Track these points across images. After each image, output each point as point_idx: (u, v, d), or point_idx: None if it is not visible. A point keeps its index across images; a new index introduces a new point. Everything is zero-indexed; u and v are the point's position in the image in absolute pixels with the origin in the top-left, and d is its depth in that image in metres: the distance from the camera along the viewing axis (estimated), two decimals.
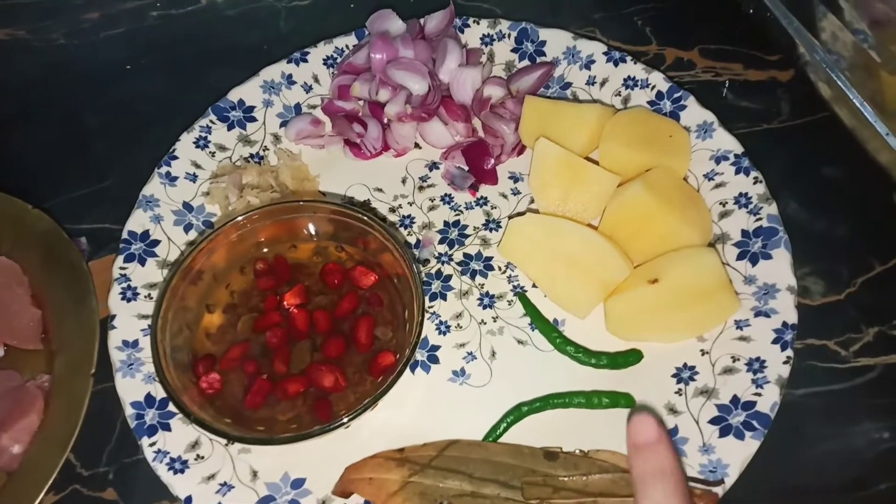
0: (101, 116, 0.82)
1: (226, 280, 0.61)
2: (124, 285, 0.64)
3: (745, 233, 0.65)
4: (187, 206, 0.71)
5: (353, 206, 0.61)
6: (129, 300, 0.64)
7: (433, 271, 0.68)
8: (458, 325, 0.64)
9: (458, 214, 0.71)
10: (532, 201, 0.71)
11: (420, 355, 0.63)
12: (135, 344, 0.61)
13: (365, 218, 0.60)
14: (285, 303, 0.59)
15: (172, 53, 0.88)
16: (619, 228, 0.64)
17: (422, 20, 0.80)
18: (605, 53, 0.78)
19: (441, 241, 0.70)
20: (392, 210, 0.72)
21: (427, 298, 0.66)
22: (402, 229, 0.71)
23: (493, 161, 0.74)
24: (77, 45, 0.90)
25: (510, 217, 0.70)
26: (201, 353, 0.57)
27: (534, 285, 0.66)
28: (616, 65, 0.77)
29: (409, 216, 0.72)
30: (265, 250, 0.63)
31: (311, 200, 0.62)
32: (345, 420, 0.52)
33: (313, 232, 0.63)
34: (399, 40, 0.75)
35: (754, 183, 0.67)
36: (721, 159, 0.70)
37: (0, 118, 0.83)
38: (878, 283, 0.67)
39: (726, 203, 0.68)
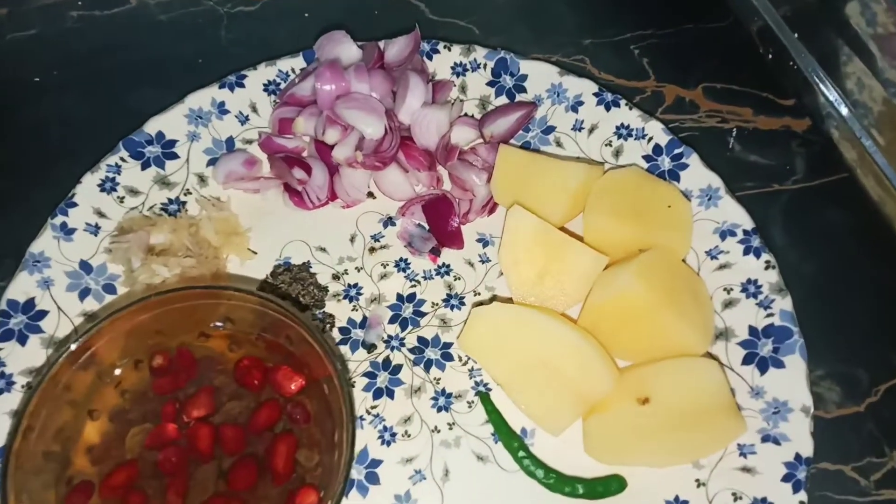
0: None
1: (115, 377, 0.49)
2: None
3: (752, 330, 0.55)
4: (85, 266, 0.58)
5: (271, 297, 0.49)
6: (1, 392, 0.52)
7: (380, 360, 0.56)
8: (406, 432, 0.53)
9: (414, 286, 0.60)
10: (503, 274, 0.60)
11: (357, 472, 0.51)
12: (3, 450, 0.49)
13: (286, 312, 0.48)
14: (185, 415, 0.47)
15: (90, 66, 0.74)
16: (604, 323, 0.53)
17: (381, 43, 0.67)
18: (595, 94, 0.66)
19: (392, 320, 0.58)
20: (335, 277, 0.60)
21: (370, 395, 0.54)
22: (346, 301, 0.59)
23: (458, 220, 0.62)
24: None
25: (478, 293, 0.59)
26: (77, 479, 0.45)
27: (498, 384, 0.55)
28: (608, 108, 0.66)
29: (355, 285, 0.60)
30: (168, 338, 0.50)
31: (221, 287, 0.50)
32: None
33: (227, 318, 0.51)
34: (352, 71, 0.63)
35: (766, 268, 0.57)
36: (727, 234, 0.59)
37: None
38: None
39: (731, 290, 0.57)
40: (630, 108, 0.65)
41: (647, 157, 0.64)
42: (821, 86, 0.68)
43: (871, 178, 0.63)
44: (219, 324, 0.51)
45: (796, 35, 0.71)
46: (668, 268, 0.54)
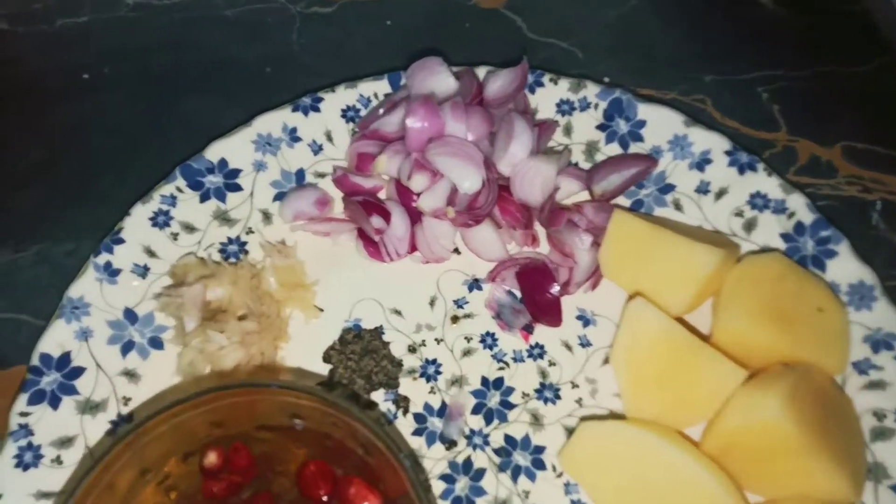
0: (35, 148, 0.61)
1: (160, 474, 0.42)
2: (23, 443, 0.45)
3: None
4: (129, 316, 0.51)
5: (345, 405, 0.41)
6: (26, 468, 0.45)
7: (460, 460, 0.48)
8: None
9: (502, 368, 0.52)
10: (607, 361, 0.51)
11: None
12: None
13: (364, 422, 0.40)
14: None
15: (143, 63, 0.66)
16: (736, 452, 0.44)
17: (481, 73, 0.58)
18: (727, 153, 0.56)
19: (475, 410, 0.50)
20: (412, 349, 0.52)
21: None
22: (422, 380, 0.51)
23: (557, 290, 0.53)
24: (22, 34, 0.69)
25: (576, 385, 0.50)
26: None
27: None
28: (742, 171, 0.56)
29: (434, 361, 0.52)
30: (224, 430, 0.43)
31: (288, 386, 0.42)
32: None
33: (294, 414, 0.43)
34: (448, 108, 0.54)
35: None
36: (881, 345, 0.49)
37: None
38: None
39: (885, 416, 0.47)
40: (769, 174, 0.55)
41: (785, 237, 0.54)
42: None
43: None
44: (282, 415, 0.43)
45: None
46: (819, 394, 0.45)
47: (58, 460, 0.45)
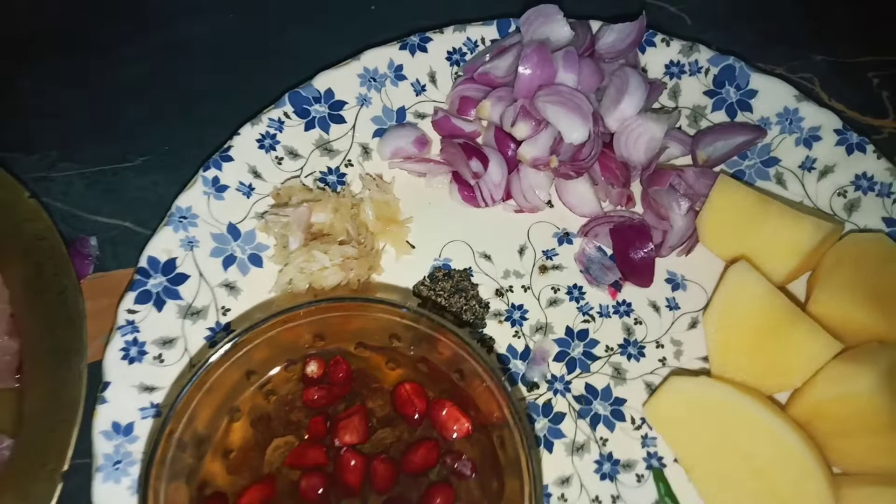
0: (144, 65, 0.62)
1: (263, 377, 0.44)
2: (129, 338, 0.47)
3: None
4: (233, 231, 0.52)
5: (450, 326, 0.42)
6: (131, 361, 0.47)
7: (540, 402, 0.49)
8: (563, 496, 0.46)
9: (587, 321, 0.52)
10: (693, 325, 0.51)
11: None
12: (128, 430, 0.45)
13: (464, 344, 0.41)
14: (337, 440, 0.41)
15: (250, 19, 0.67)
16: (824, 423, 0.44)
17: (595, 26, 0.57)
18: (837, 132, 0.55)
19: (558, 358, 0.51)
20: (499, 293, 0.53)
21: None
22: (507, 324, 0.52)
23: (650, 250, 0.53)
24: None
25: (660, 345, 0.51)
26: (211, 485, 0.41)
27: (674, 460, 0.47)
28: (850, 152, 0.55)
29: (520, 307, 0.52)
30: (324, 343, 0.44)
31: (392, 303, 0.43)
32: None
33: (393, 334, 0.44)
34: (561, 57, 0.54)
35: None
36: None
37: (18, 49, 0.64)
38: None
39: None
40: (878, 157, 0.54)
41: (888, 221, 0.53)
42: None
43: None
44: (380, 334, 0.44)
45: None
46: None
47: (160, 358, 0.48)
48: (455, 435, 0.42)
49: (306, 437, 0.42)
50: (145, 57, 0.63)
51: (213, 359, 0.40)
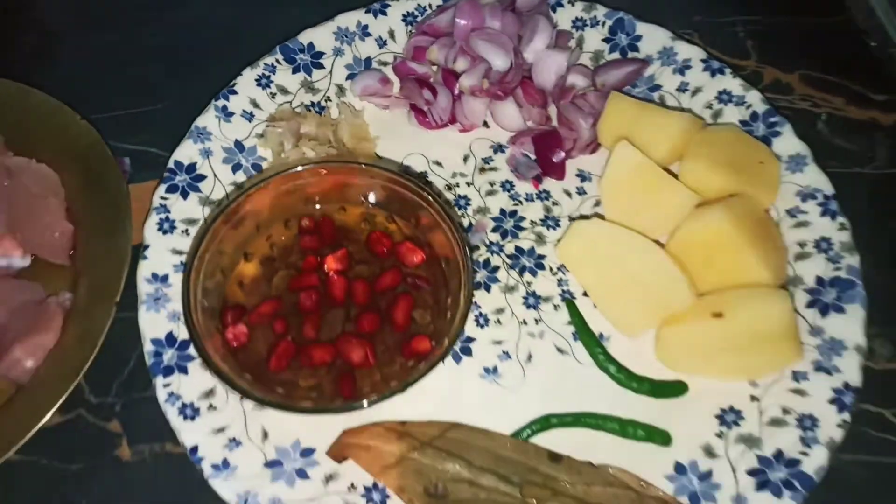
0: (162, 36, 0.79)
1: (268, 231, 0.58)
2: (163, 216, 0.62)
3: (820, 280, 0.61)
4: (239, 146, 0.68)
5: (413, 177, 0.57)
6: (165, 232, 0.61)
7: (481, 259, 0.64)
8: (498, 320, 0.61)
9: (516, 204, 0.67)
10: (597, 204, 0.67)
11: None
12: (164, 278, 0.59)
13: (423, 191, 0.56)
14: (325, 266, 0.56)
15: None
16: (689, 253, 0.59)
17: None
18: (703, 61, 0.72)
19: (494, 230, 0.66)
20: (448, 187, 0.68)
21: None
22: (455, 209, 0.67)
23: (563, 154, 0.69)
24: None
25: (573, 218, 0.66)
26: (231, 302, 0.55)
27: (584, 294, 0.62)
28: (713, 75, 0.72)
29: (464, 197, 0.68)
30: (314, 207, 0.59)
31: (371, 164, 0.58)
32: (365, 404, 0.49)
33: (365, 197, 0.59)
34: (488, 9, 0.71)
35: (839, 229, 0.62)
36: (808, 197, 0.65)
37: (56, 24, 0.80)
38: None
39: (805, 245, 0.63)
40: (733, 77, 0.71)
41: (743, 122, 0.69)
42: None
43: None
44: (358, 198, 0.59)
45: None
46: (753, 213, 0.60)
47: (186, 232, 0.62)
48: (415, 260, 0.57)
49: (303, 269, 0.56)
50: (165, 32, 0.79)
51: (232, 203, 0.55)
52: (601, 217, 0.65)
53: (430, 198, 0.56)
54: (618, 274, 0.59)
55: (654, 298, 0.58)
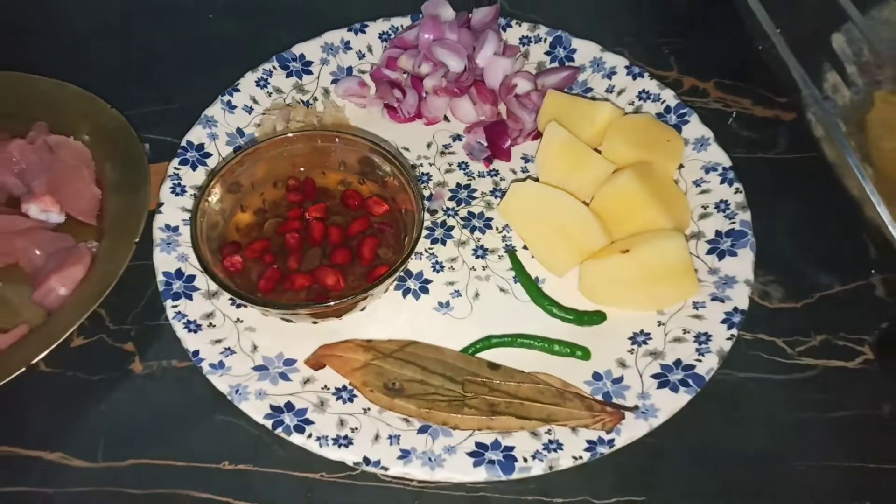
0: (177, 46, 0.94)
1: (261, 189, 0.71)
2: (176, 182, 0.75)
3: (718, 233, 0.73)
4: (239, 132, 0.81)
5: (384, 147, 0.71)
6: (177, 195, 0.74)
7: (439, 221, 0.77)
8: (452, 267, 0.73)
9: (470, 179, 0.81)
10: (536, 179, 0.80)
11: (413, 284, 0.71)
12: (175, 229, 0.72)
13: (390, 154, 0.70)
14: (307, 214, 0.69)
15: (247, 9, 1.00)
16: (606, 210, 0.72)
17: (470, 13, 0.91)
18: (626, 67, 0.87)
19: (451, 199, 0.79)
20: (413, 167, 0.82)
21: (429, 241, 0.75)
22: (415, 173, 0.80)
23: (510, 141, 0.83)
24: None
25: (513, 180, 0.79)
26: (229, 241, 0.67)
27: (524, 247, 0.75)
28: (634, 78, 0.86)
29: (427, 174, 0.81)
30: (300, 171, 0.73)
31: (349, 134, 0.72)
32: (332, 303, 0.61)
33: (342, 163, 0.73)
34: (447, 25, 0.86)
35: (735, 193, 0.75)
36: (710, 170, 0.78)
37: (84, 29, 0.96)
38: (835, 301, 0.74)
39: (707, 207, 0.76)
40: (651, 79, 0.86)
41: (659, 114, 0.83)
42: (805, 89, 0.86)
43: (830, 148, 0.81)
44: (336, 165, 0.73)
45: (794, 54, 0.90)
46: (657, 176, 0.73)
47: (193, 195, 0.75)
48: (379, 210, 0.69)
49: (289, 217, 0.69)
50: (180, 44, 0.95)
51: (233, 158, 0.68)
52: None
53: (394, 157, 0.69)
54: (548, 225, 0.71)
55: (576, 243, 0.70)
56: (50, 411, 0.63)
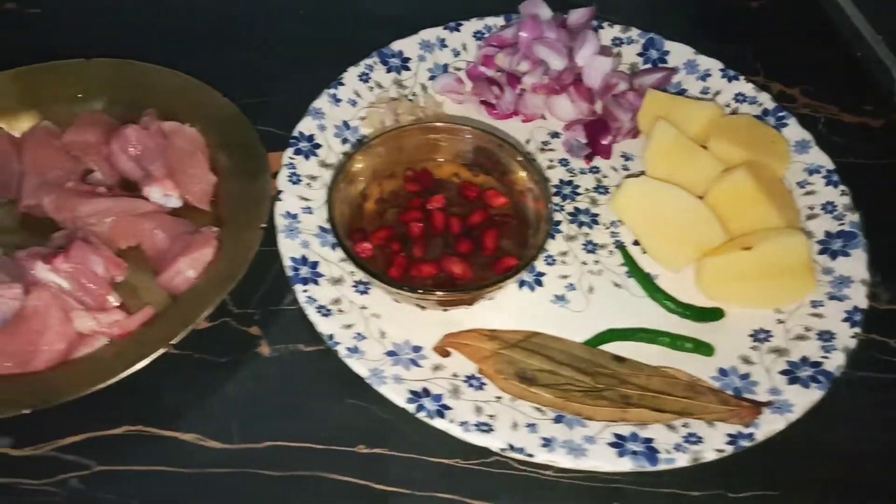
0: (281, 45, 0.95)
1: (380, 179, 0.72)
2: (291, 171, 0.76)
3: (828, 234, 0.74)
4: (345, 125, 0.82)
5: (504, 137, 0.72)
6: (294, 183, 0.75)
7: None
8: (563, 261, 0.74)
9: (572, 176, 0.82)
10: (642, 174, 0.81)
11: (527, 277, 0.72)
12: (295, 216, 0.72)
13: (509, 143, 0.71)
14: (428, 206, 0.69)
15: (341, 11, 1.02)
16: (720, 206, 0.73)
17: (565, 15, 0.92)
18: (721, 70, 0.88)
19: (555, 194, 0.80)
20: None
21: None
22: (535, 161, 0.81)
23: (610, 138, 0.84)
24: None
25: (625, 176, 0.80)
26: (356, 228, 0.68)
27: (634, 243, 0.75)
28: (730, 81, 0.88)
29: None
30: (417, 162, 0.74)
31: (471, 125, 0.73)
32: (468, 294, 0.62)
33: (457, 155, 0.74)
34: (546, 24, 0.87)
35: (841, 195, 0.76)
36: (814, 172, 0.79)
37: (196, 32, 0.97)
38: None
39: (814, 208, 0.76)
40: (747, 82, 0.87)
41: (756, 117, 0.85)
42: None
43: None
44: (451, 156, 0.74)
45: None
46: (768, 176, 0.74)
47: (309, 185, 0.75)
48: (497, 203, 0.70)
49: (409, 206, 0.70)
50: (284, 36, 0.96)
51: (356, 151, 0.69)
52: None
53: (518, 149, 0.70)
54: (662, 220, 0.72)
55: (694, 239, 0.71)
56: (180, 392, 0.64)
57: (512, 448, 0.58)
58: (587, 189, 0.80)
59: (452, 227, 0.69)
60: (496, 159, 0.72)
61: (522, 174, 0.70)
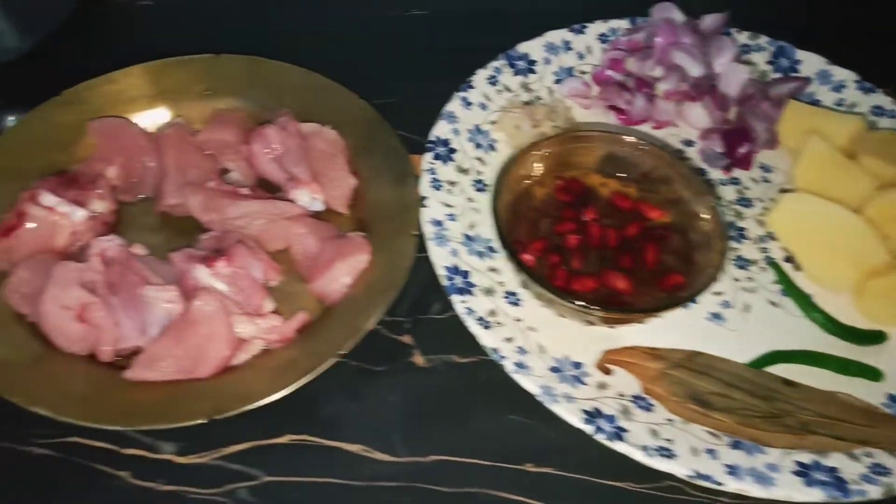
0: (405, 49, 0.94)
1: (534, 187, 0.70)
2: (432, 176, 0.74)
3: None
4: (477, 129, 0.80)
5: (664, 144, 0.70)
6: (436, 189, 0.73)
7: None
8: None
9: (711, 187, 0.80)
10: (781, 191, 0.79)
11: None
12: (439, 223, 0.70)
13: (669, 152, 0.69)
14: (582, 216, 0.67)
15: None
16: (880, 224, 0.70)
17: (698, 19, 0.89)
18: (856, 81, 0.86)
19: None
20: None
21: None
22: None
23: (749, 149, 0.81)
24: None
25: (780, 189, 0.78)
26: (514, 239, 0.66)
27: (786, 259, 0.73)
28: (867, 93, 0.85)
29: None
30: (566, 171, 0.72)
31: (635, 134, 0.71)
32: (684, 300, 0.61)
33: (608, 160, 0.72)
34: (680, 29, 0.85)
35: None
36: None
37: (316, 31, 0.96)
38: None
39: None
40: (885, 95, 0.84)
41: (893, 129, 0.82)
42: None
43: None
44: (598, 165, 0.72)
45: None
46: None
47: (449, 191, 0.74)
48: (654, 216, 0.68)
49: (563, 217, 0.68)
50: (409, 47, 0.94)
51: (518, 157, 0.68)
52: None
53: (685, 165, 0.69)
54: (823, 238, 0.70)
55: (853, 258, 0.68)
56: (339, 401, 0.62)
57: (699, 475, 0.56)
58: (730, 201, 0.78)
59: (608, 239, 0.67)
60: (650, 169, 0.70)
61: (684, 186, 0.68)
